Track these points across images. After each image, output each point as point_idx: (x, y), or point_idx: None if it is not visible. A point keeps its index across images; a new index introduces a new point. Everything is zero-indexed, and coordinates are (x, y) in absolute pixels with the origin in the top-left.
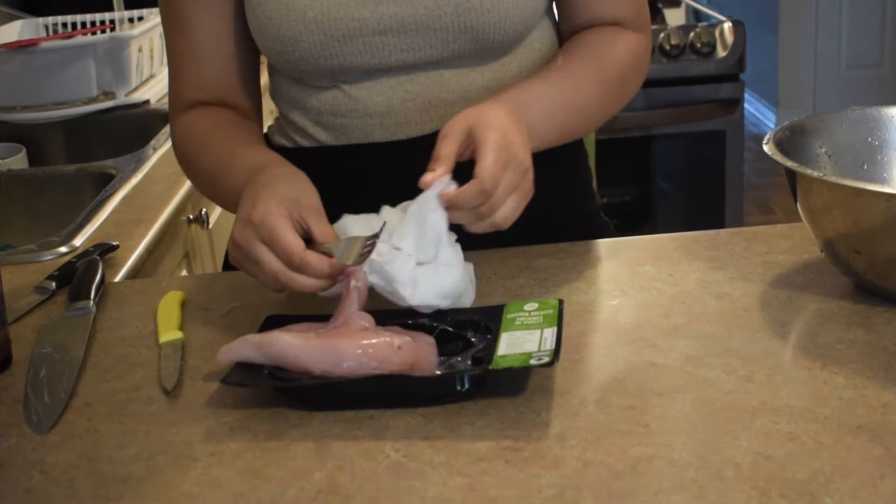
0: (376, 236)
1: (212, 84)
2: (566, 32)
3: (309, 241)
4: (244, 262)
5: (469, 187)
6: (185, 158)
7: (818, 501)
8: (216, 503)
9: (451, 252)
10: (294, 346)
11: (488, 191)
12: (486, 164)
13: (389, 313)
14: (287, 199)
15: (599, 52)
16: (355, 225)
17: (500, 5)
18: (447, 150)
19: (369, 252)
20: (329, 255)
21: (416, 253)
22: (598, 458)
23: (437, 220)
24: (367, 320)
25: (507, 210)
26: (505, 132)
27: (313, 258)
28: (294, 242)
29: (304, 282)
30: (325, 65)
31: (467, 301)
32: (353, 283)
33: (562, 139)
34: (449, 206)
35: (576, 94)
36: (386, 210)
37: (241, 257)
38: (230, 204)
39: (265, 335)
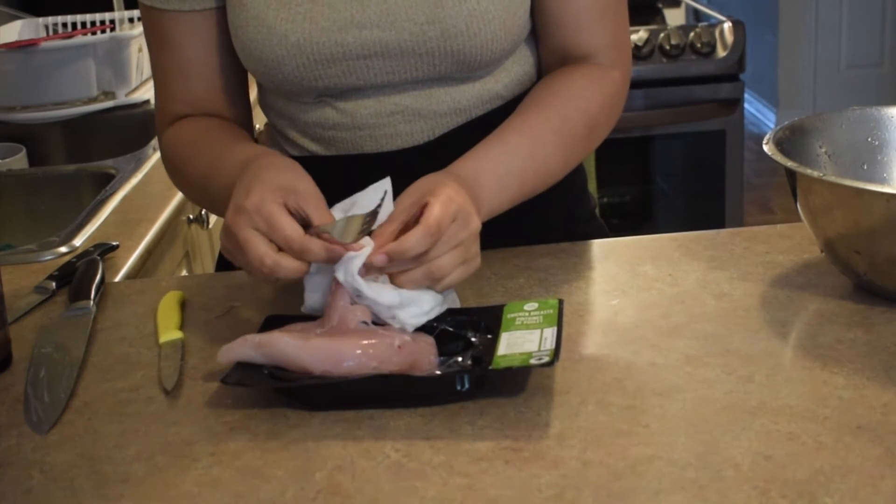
0: (375, 212)
1: (200, 99)
2: (543, 55)
3: (307, 228)
4: (234, 251)
5: (413, 232)
6: (175, 166)
7: (818, 501)
8: (216, 503)
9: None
10: (294, 346)
11: (433, 233)
12: (433, 211)
13: None
14: (281, 187)
15: (564, 103)
16: (362, 199)
17: (487, 28)
18: (391, 230)
19: (368, 227)
20: (328, 236)
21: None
22: (598, 458)
23: (384, 292)
24: (361, 312)
25: (447, 262)
26: (457, 192)
27: (314, 243)
28: (293, 228)
29: (290, 265)
30: (309, 86)
31: (454, 303)
32: None
33: (518, 203)
34: (391, 255)
35: (534, 158)
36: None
37: (231, 244)
38: (224, 201)
39: (265, 335)
